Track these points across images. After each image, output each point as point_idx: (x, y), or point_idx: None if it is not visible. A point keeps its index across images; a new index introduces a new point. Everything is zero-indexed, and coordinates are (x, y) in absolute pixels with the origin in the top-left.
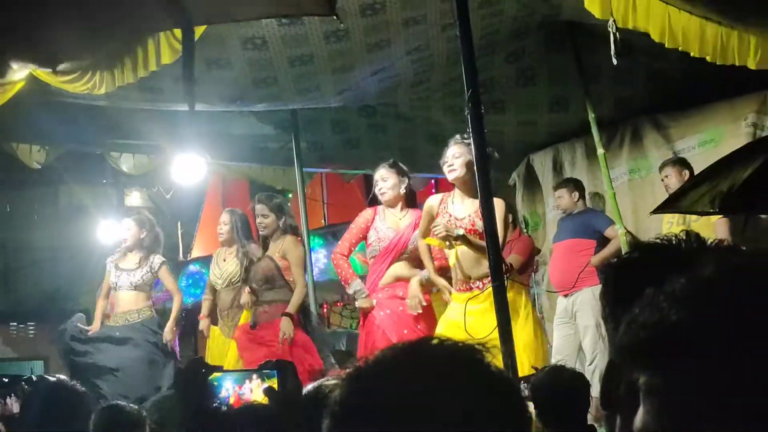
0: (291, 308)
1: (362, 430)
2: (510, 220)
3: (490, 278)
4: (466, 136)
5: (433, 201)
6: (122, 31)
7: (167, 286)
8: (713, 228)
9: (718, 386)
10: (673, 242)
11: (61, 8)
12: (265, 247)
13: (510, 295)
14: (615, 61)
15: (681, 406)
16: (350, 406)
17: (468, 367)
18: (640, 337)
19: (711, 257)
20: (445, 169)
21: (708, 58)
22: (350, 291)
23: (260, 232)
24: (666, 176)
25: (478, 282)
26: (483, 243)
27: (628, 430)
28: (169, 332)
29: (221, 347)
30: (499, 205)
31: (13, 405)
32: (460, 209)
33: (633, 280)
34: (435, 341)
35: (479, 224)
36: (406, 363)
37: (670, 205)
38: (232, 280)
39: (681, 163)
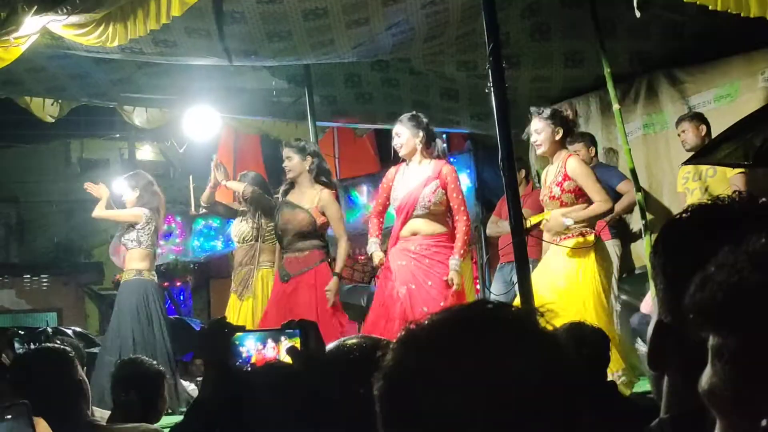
0: (338, 267)
1: (418, 393)
2: (524, 175)
3: (565, 236)
4: (541, 109)
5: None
6: None
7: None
8: (729, 184)
9: None
10: (725, 201)
11: None
12: (286, 192)
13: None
14: (638, 14)
15: (755, 370)
16: (406, 369)
17: (521, 331)
18: (716, 298)
19: None
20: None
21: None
22: (367, 249)
23: (288, 176)
24: (683, 131)
25: (556, 237)
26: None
27: (676, 390)
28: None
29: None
30: (576, 161)
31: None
32: (551, 175)
33: (685, 239)
34: (489, 305)
35: (565, 185)
36: (460, 326)
37: (703, 156)
38: (246, 238)
39: (698, 118)
